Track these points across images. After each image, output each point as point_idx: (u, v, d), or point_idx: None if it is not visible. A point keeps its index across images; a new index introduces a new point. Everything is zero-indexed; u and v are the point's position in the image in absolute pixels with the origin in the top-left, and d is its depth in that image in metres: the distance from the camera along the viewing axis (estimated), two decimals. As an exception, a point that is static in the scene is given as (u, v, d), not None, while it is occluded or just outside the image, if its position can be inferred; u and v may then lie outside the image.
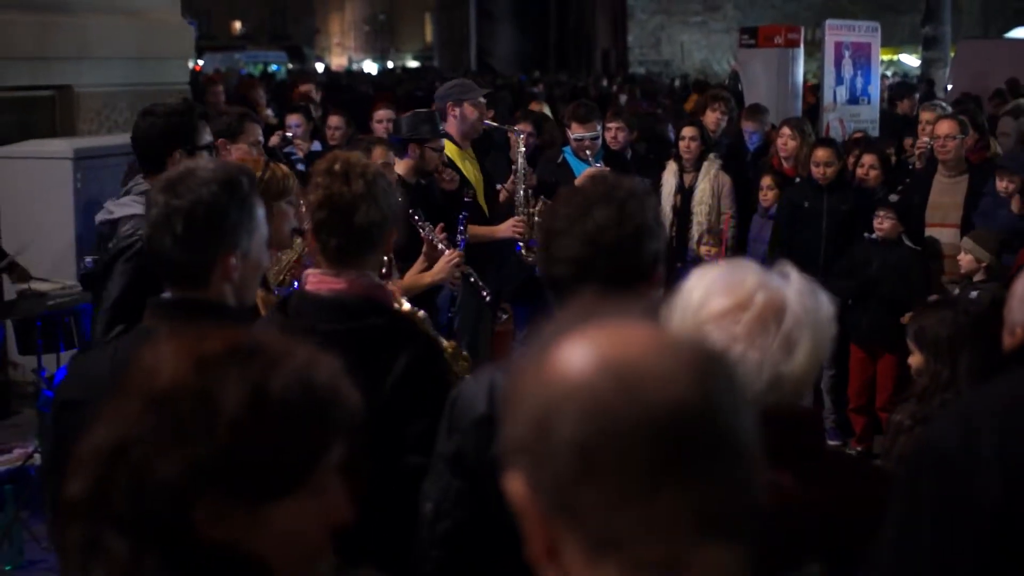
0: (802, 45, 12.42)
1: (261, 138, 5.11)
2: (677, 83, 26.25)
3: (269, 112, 12.40)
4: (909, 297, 6.73)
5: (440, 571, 2.59)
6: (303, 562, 1.44)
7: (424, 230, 5.05)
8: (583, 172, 6.92)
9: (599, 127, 7.63)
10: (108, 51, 9.70)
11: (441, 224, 5.16)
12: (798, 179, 8.11)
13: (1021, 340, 2.30)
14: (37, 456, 6.13)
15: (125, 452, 1.35)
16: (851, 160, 8.47)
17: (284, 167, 4.33)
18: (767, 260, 2.35)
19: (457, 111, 6.71)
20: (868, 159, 8.17)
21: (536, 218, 6.56)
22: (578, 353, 1.16)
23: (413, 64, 49.50)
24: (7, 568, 5.70)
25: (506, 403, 1.20)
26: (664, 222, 7.45)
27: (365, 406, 1.45)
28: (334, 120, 9.49)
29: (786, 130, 8.53)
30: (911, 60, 28.96)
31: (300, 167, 8.12)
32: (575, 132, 7.53)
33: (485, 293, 5.62)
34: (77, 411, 2.40)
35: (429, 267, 4.98)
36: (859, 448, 7.34)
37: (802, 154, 8.18)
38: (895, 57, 29.55)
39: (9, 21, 8.79)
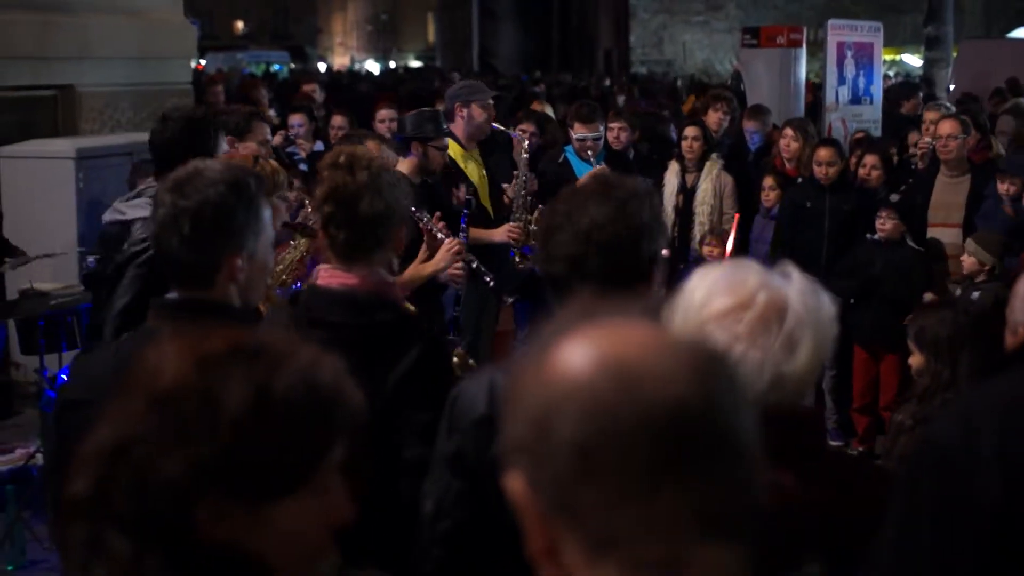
0: (804, 45, 12.41)
1: (269, 137, 5.12)
2: (680, 83, 26.23)
3: (272, 112, 12.40)
4: (912, 297, 6.74)
5: (440, 571, 2.59)
6: (305, 562, 1.44)
7: (423, 221, 5.05)
8: (585, 173, 6.91)
9: (602, 127, 7.63)
10: (110, 51, 9.70)
11: (438, 213, 5.15)
12: (800, 179, 8.10)
13: (1023, 339, 2.30)
14: (39, 456, 6.14)
15: (128, 451, 1.35)
16: (853, 160, 8.48)
17: (274, 163, 4.35)
18: (769, 260, 2.35)
19: (465, 112, 6.72)
20: (870, 159, 8.18)
21: (532, 226, 6.56)
22: (578, 352, 1.16)
23: (416, 64, 49.48)
24: (9, 568, 5.71)
25: (506, 402, 1.20)
26: (667, 222, 7.51)
27: (370, 400, 1.45)
28: (337, 120, 9.48)
29: (789, 131, 8.54)
30: (913, 60, 28.94)
31: (303, 167, 8.13)
32: (578, 132, 7.52)
33: (488, 279, 5.62)
34: (79, 411, 2.40)
35: (430, 258, 4.99)
36: (861, 448, 7.34)
37: (804, 155, 8.18)
38: (897, 57, 29.52)
39: (11, 21, 8.80)
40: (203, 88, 12.20)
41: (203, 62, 35.31)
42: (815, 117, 11.18)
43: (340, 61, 59.65)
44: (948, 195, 7.63)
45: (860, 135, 10.47)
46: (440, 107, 7.02)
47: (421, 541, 2.60)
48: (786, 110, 11.25)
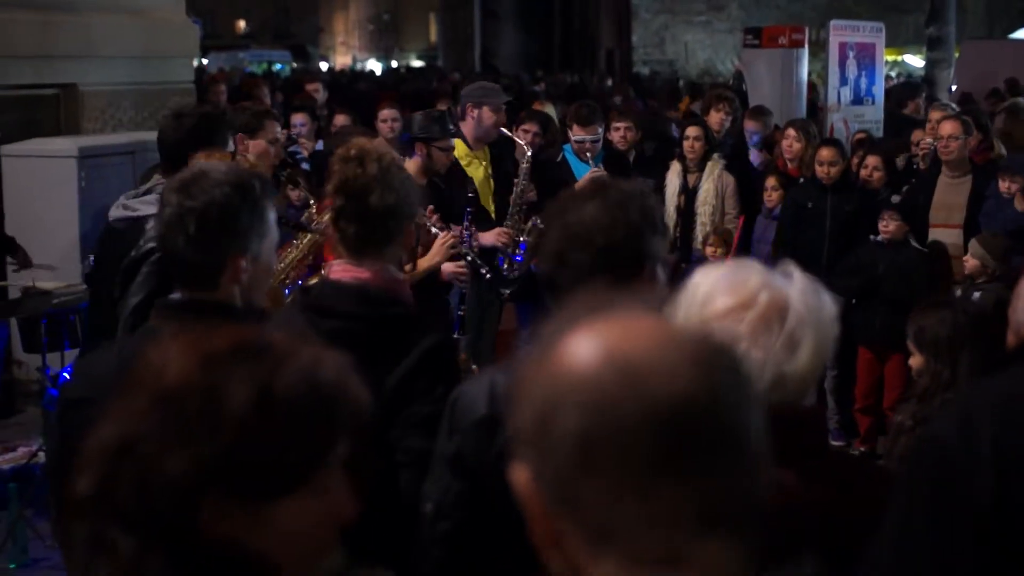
0: (806, 45, 12.40)
1: (280, 136, 5.11)
2: (682, 83, 26.21)
3: (273, 111, 12.38)
4: (916, 298, 6.74)
5: (440, 571, 2.60)
6: (308, 560, 1.44)
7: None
8: (584, 174, 6.91)
9: (600, 130, 7.62)
10: (113, 50, 9.71)
11: (431, 207, 5.14)
12: (802, 180, 8.11)
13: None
14: (41, 454, 6.14)
15: (131, 450, 1.36)
16: (855, 161, 8.48)
17: (251, 158, 4.37)
18: (771, 260, 2.35)
19: (476, 113, 6.73)
20: (872, 160, 8.19)
21: (525, 236, 6.56)
22: (584, 346, 1.16)
23: (417, 64, 49.47)
24: (11, 566, 5.71)
25: (514, 394, 1.21)
26: (668, 222, 7.51)
27: (375, 395, 1.45)
28: (340, 119, 9.49)
29: (791, 131, 8.54)
30: (915, 60, 28.93)
31: (305, 166, 8.13)
32: (576, 134, 7.53)
33: (484, 271, 5.62)
34: (82, 409, 2.40)
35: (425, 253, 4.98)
36: (863, 448, 7.35)
37: (806, 155, 8.18)
38: (899, 58, 29.51)
39: (13, 20, 8.80)
40: (205, 87, 12.19)
41: (205, 61, 35.32)
42: (810, 116, 11.17)
43: (342, 60, 59.67)
44: (950, 196, 7.63)
45: (861, 136, 10.48)
46: (443, 106, 7.01)
47: (421, 541, 2.61)
48: (788, 110, 11.25)
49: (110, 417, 1.40)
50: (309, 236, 4.57)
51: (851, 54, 11.61)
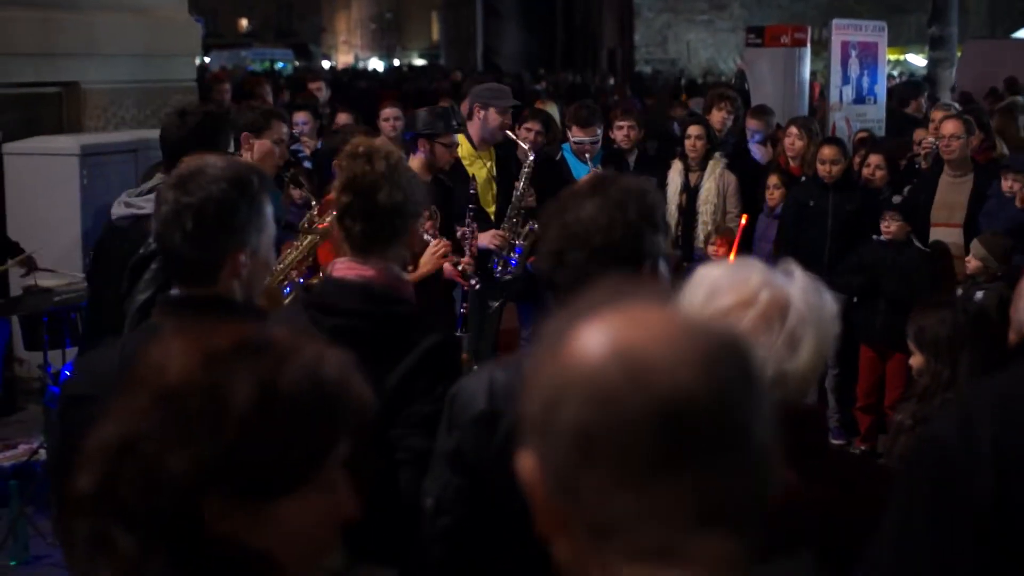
0: (808, 44, 12.40)
1: (286, 137, 5.10)
2: (683, 82, 26.23)
3: (282, 112, 12.39)
4: (918, 297, 6.74)
5: (440, 566, 2.60)
6: (310, 558, 1.44)
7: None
8: (584, 175, 6.90)
9: (599, 131, 7.62)
10: (115, 48, 9.71)
11: (426, 213, 5.14)
12: (804, 178, 8.10)
13: (1025, 339, 2.31)
14: (42, 452, 6.15)
15: (133, 448, 1.35)
16: (856, 160, 8.48)
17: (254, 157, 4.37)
18: (773, 259, 2.35)
19: (482, 114, 6.73)
20: (874, 159, 8.19)
21: (522, 240, 6.56)
22: (592, 337, 1.16)
23: (420, 62, 49.48)
24: (12, 563, 5.72)
25: (525, 381, 1.21)
26: (670, 221, 7.51)
27: (378, 393, 1.45)
28: (342, 118, 9.50)
29: (793, 129, 8.54)
30: (918, 60, 28.93)
31: (307, 164, 8.13)
32: (575, 135, 7.53)
33: (474, 281, 5.62)
34: (84, 406, 2.41)
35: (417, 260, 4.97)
36: (863, 447, 7.35)
37: (808, 153, 8.17)
38: (902, 57, 29.52)
39: (15, 18, 8.81)
40: (208, 86, 12.19)
41: (207, 59, 35.32)
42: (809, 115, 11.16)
43: (344, 59, 59.71)
44: (952, 195, 7.64)
45: (863, 135, 10.48)
46: (445, 104, 7.01)
47: (422, 537, 2.61)
48: (790, 109, 11.24)
49: (112, 415, 1.39)
50: (309, 238, 4.57)
51: (853, 53, 11.60)
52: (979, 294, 6.58)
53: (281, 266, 4.43)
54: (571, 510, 1.16)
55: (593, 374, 1.13)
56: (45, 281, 6.82)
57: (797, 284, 2.03)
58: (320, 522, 1.42)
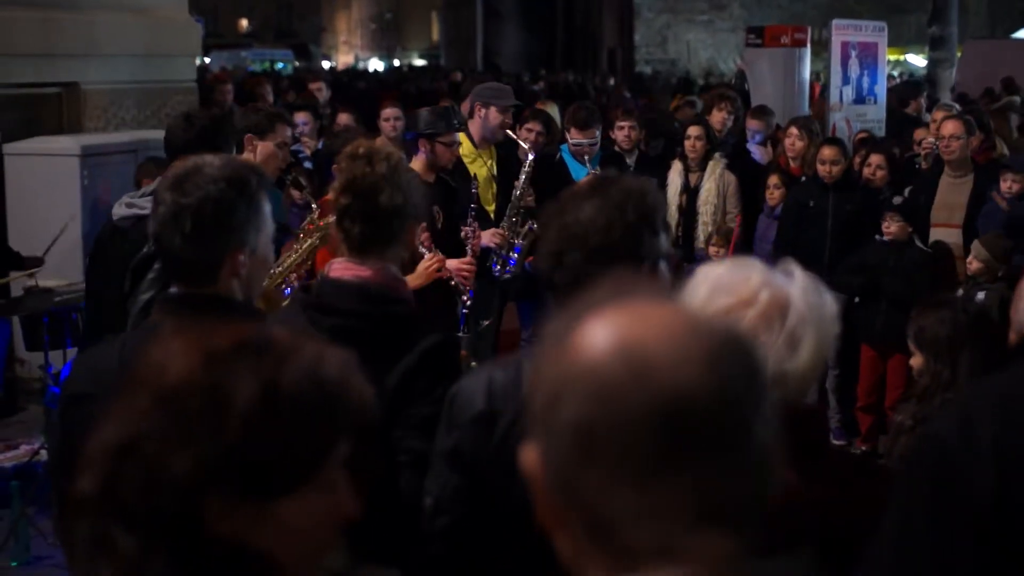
0: (808, 45, 12.40)
1: (289, 140, 5.09)
2: (674, 80, 26.24)
3: (285, 114, 12.38)
4: (918, 297, 6.75)
5: (439, 566, 2.60)
6: (309, 558, 1.44)
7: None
8: (583, 177, 6.90)
9: (598, 133, 7.62)
10: (115, 48, 9.71)
11: (423, 224, 5.13)
12: (804, 178, 8.10)
13: (1025, 339, 2.31)
14: (43, 452, 6.15)
15: (134, 449, 1.35)
16: (857, 160, 8.48)
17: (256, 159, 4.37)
18: (773, 259, 2.35)
19: (483, 112, 6.74)
20: (875, 159, 8.19)
21: (521, 240, 6.56)
22: (596, 333, 1.16)
23: (420, 62, 49.48)
24: (13, 564, 5.72)
25: (533, 374, 1.21)
26: (671, 222, 7.51)
27: (379, 392, 1.45)
28: (343, 118, 9.50)
29: (794, 130, 8.54)
30: (918, 60, 28.94)
31: (307, 165, 8.13)
32: (574, 137, 7.54)
33: (465, 298, 5.63)
34: (84, 405, 2.41)
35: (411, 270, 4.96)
36: (864, 447, 7.35)
37: (809, 154, 8.17)
38: (902, 57, 29.53)
39: (16, 18, 8.81)
40: (209, 86, 12.20)
41: (207, 60, 35.32)
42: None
43: (344, 59, 59.71)
44: (952, 195, 7.64)
45: (863, 135, 10.48)
46: (445, 104, 7.01)
47: (421, 537, 2.61)
48: (790, 110, 11.25)
49: (112, 416, 1.39)
50: (309, 241, 4.57)
51: (853, 53, 11.60)
52: (980, 294, 6.58)
53: (280, 269, 4.43)
54: (571, 506, 1.16)
55: (595, 370, 1.13)
56: (45, 281, 6.82)
57: (797, 284, 2.03)
58: (320, 522, 1.42)
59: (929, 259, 7.33)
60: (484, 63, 40.35)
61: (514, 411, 2.39)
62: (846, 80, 11.56)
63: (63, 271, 7.30)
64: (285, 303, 4.11)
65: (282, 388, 1.37)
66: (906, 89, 13.62)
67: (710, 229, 7.89)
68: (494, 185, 6.91)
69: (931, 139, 8.50)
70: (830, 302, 2.06)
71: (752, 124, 9.37)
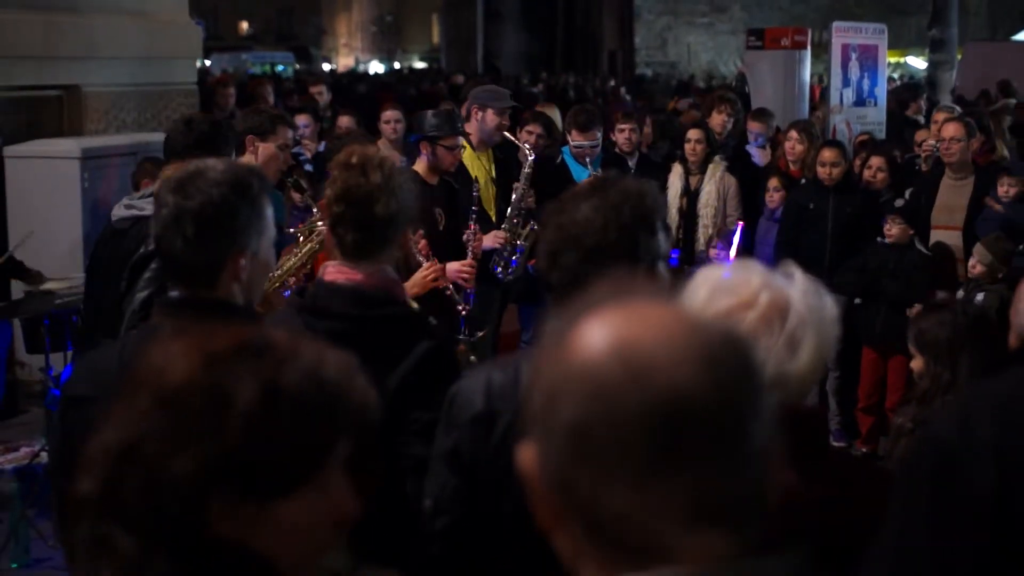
0: (809, 47, 12.40)
1: (291, 142, 5.09)
2: (674, 82, 26.26)
3: (288, 117, 12.38)
4: (920, 299, 6.75)
5: (439, 567, 2.60)
6: (308, 559, 1.44)
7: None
8: (583, 179, 6.90)
9: (599, 135, 7.62)
10: (115, 51, 9.71)
11: (420, 232, 5.12)
12: (804, 180, 8.11)
13: (1024, 341, 2.31)
14: (44, 454, 6.14)
15: (135, 451, 1.35)
16: (857, 163, 8.48)
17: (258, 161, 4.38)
18: (773, 262, 2.35)
19: (480, 115, 6.74)
20: (876, 161, 8.19)
21: (523, 240, 6.56)
22: (593, 333, 1.16)
23: (420, 65, 49.47)
24: (13, 566, 5.72)
25: (530, 374, 1.21)
26: (671, 224, 7.50)
27: (380, 394, 1.45)
28: (344, 120, 9.50)
29: (793, 133, 8.55)
30: (918, 62, 28.94)
31: (308, 167, 8.13)
32: (575, 140, 7.53)
33: (460, 307, 5.63)
34: (84, 407, 2.41)
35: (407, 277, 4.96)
36: (864, 449, 7.35)
37: (809, 156, 8.17)
38: (902, 59, 29.53)
39: (17, 21, 8.81)
40: (210, 89, 12.20)
41: (208, 62, 35.34)
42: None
43: (344, 62, 59.70)
44: (952, 197, 7.64)
45: (864, 137, 10.48)
46: (445, 107, 7.02)
47: (420, 538, 2.61)
48: (790, 112, 11.25)
49: (113, 418, 1.39)
50: (309, 245, 4.57)
51: (853, 56, 11.60)
52: (980, 296, 6.58)
53: (279, 272, 4.43)
54: (569, 506, 1.16)
55: (593, 370, 1.13)
56: (46, 284, 6.82)
57: (797, 286, 2.03)
58: (320, 522, 1.42)
59: (929, 261, 7.33)
60: (484, 65, 40.36)
61: (513, 411, 2.39)
62: (846, 82, 11.56)
63: (64, 273, 7.30)
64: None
65: (282, 389, 1.37)
66: (906, 91, 13.62)
67: (711, 232, 7.89)
68: (493, 187, 6.92)
69: (932, 141, 8.50)
70: (830, 304, 2.06)
71: (753, 126, 9.37)
